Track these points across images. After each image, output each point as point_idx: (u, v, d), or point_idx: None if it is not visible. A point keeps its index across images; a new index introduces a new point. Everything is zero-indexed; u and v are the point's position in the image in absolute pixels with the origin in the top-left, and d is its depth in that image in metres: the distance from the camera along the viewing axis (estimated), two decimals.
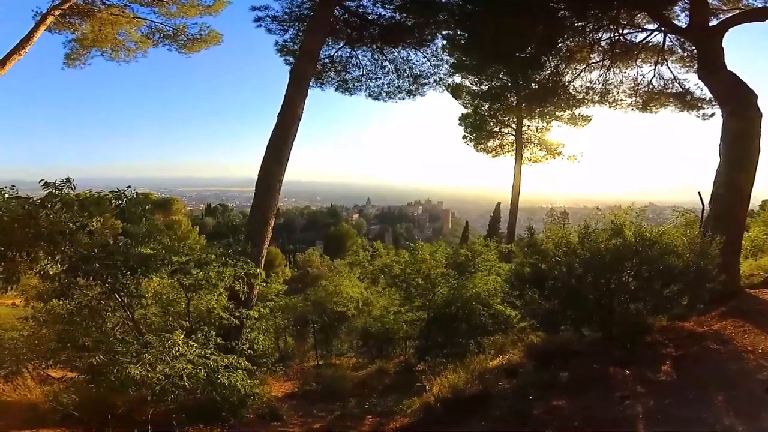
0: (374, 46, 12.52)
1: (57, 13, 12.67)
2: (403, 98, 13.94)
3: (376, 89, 13.53)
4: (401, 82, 13.35)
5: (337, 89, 13.54)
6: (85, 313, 6.01)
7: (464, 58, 16.65)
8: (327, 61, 12.60)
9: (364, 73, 13.09)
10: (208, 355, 5.34)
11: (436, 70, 13.59)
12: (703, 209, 8.19)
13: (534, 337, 7.39)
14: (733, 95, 8.40)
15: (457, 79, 19.53)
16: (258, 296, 15.57)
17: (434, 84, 13.89)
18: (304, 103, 9.50)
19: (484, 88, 19.45)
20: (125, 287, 6.09)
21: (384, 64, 12.86)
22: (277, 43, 12.75)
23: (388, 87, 13.48)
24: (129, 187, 6.20)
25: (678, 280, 5.36)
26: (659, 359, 5.07)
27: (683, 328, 5.93)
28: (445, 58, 13.61)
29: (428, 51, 13.00)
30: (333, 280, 14.89)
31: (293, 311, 14.57)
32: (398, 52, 12.69)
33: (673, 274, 5.31)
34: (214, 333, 6.06)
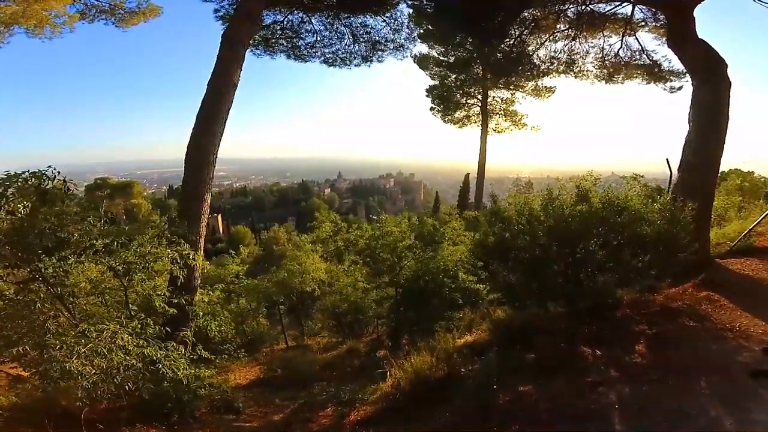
0: (330, 12, 11.60)
1: None
2: (359, 64, 13.12)
3: (330, 56, 12.68)
4: (357, 47, 12.53)
5: (288, 56, 12.56)
6: (17, 306, 5.43)
7: (431, 27, 16.06)
8: (278, 27, 11.60)
9: (319, 39, 12.15)
10: (143, 344, 4.90)
11: (395, 36, 12.82)
12: (671, 177, 8.05)
13: (500, 312, 7.15)
14: (703, 64, 8.21)
15: (424, 49, 19.00)
16: (214, 279, 14.99)
17: (393, 50, 13.12)
18: (240, 70, 8.58)
19: (451, 59, 18.93)
20: (54, 275, 5.49)
21: (340, 29, 12.01)
22: (216, 10, 11.42)
23: (343, 53, 12.66)
24: (50, 166, 5.57)
25: (649, 250, 5.12)
26: (632, 338, 4.80)
27: (654, 302, 5.71)
28: (405, 22, 12.80)
29: (387, 15, 12.17)
30: (296, 259, 14.30)
31: (256, 293, 14.00)
32: (356, 18, 11.82)
33: (643, 243, 5.05)
34: (152, 321, 5.47)
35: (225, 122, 8.30)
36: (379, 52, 12.83)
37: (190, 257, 6.39)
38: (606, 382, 3.96)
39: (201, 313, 8.26)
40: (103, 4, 12.88)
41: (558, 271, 5.47)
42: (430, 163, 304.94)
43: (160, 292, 6.42)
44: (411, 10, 13.02)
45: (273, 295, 14.02)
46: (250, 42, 11.44)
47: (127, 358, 4.55)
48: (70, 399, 4.92)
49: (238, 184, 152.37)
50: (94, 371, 4.34)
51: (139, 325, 5.15)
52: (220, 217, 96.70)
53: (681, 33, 8.73)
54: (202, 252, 7.77)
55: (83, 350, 4.37)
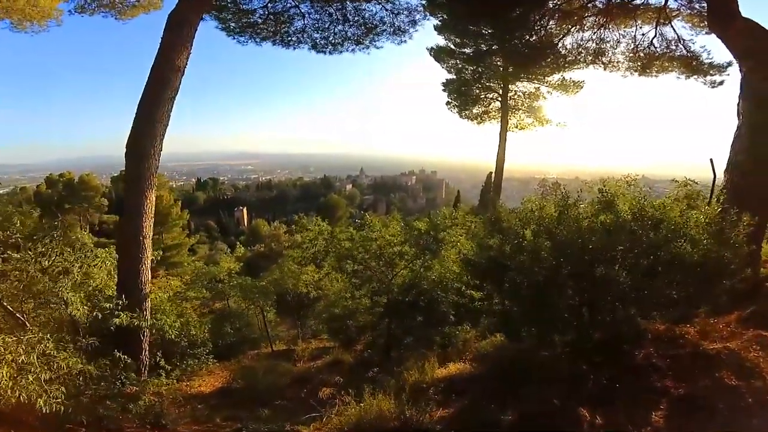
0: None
1: None
2: (352, 50, 11.89)
3: (321, 41, 11.44)
4: (349, 30, 11.29)
5: (275, 43, 11.37)
6: None
7: (445, 17, 14.96)
8: (263, 12, 10.55)
9: (308, 23, 11.01)
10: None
11: (393, 19, 11.34)
12: (714, 180, 6.62)
13: (498, 337, 5.97)
14: (754, 46, 7.01)
15: (441, 41, 17.65)
16: (209, 277, 14.26)
17: (392, 34, 11.63)
18: (186, 52, 7.64)
19: (468, 50, 17.59)
20: None
21: (329, 10, 10.78)
22: None
23: (334, 38, 11.39)
24: None
25: (688, 275, 3.80)
26: (651, 398, 3.49)
27: (686, 340, 4.37)
28: (407, 5, 11.43)
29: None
30: (294, 259, 13.39)
31: (248, 292, 13.14)
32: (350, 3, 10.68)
33: (684, 268, 3.74)
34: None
35: (169, 110, 7.41)
36: (375, 36, 11.44)
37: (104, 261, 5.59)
38: None
39: (160, 317, 7.53)
40: None
41: (566, 302, 4.24)
42: (454, 161, 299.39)
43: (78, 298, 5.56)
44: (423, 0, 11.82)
45: (266, 296, 13.16)
46: (233, 28, 10.62)
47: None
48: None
49: (263, 178, 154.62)
50: None
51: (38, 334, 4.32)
52: (245, 210, 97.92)
53: (722, 10, 7.59)
54: (148, 253, 6.92)
55: None
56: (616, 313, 4.09)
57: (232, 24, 10.50)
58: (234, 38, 10.83)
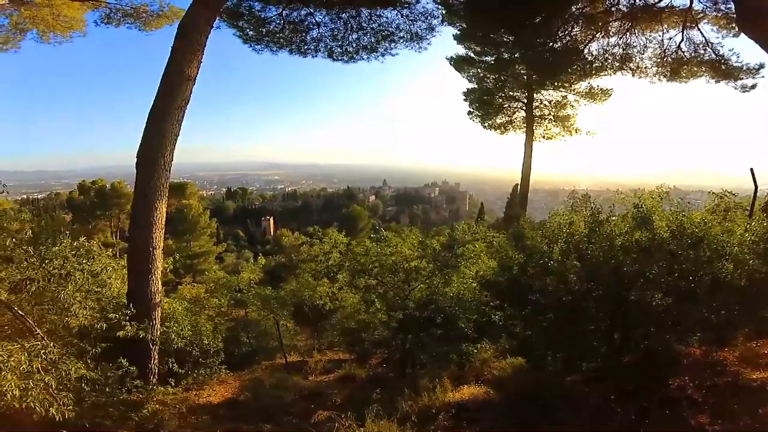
0: (335, 7, 10.46)
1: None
2: (368, 59, 11.69)
3: (337, 49, 11.32)
4: (365, 39, 11.11)
5: (291, 52, 11.36)
6: None
7: (464, 26, 14.80)
8: (279, 21, 10.58)
9: (325, 32, 10.95)
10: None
11: (410, 26, 11.06)
12: (756, 191, 6.11)
13: (516, 360, 5.59)
14: None
15: (461, 50, 17.53)
16: (229, 287, 14.32)
17: (409, 41, 11.31)
18: (197, 61, 7.54)
19: (488, 59, 17.36)
20: None
21: (344, 17, 10.68)
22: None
23: (349, 46, 11.24)
24: None
25: (734, 299, 3.38)
26: None
27: (725, 366, 3.93)
28: (424, 11, 11.14)
29: (401, 8, 10.65)
30: (310, 271, 13.30)
31: (266, 302, 13.11)
32: (365, 10, 10.52)
33: (728, 291, 3.33)
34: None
35: (180, 120, 7.33)
36: (391, 44, 11.23)
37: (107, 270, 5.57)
38: None
39: (171, 325, 7.51)
40: (127, 7, 12.76)
41: (597, 326, 3.88)
42: (478, 172, 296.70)
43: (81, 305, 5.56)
44: (443, 9, 11.66)
45: (283, 307, 13.09)
46: (251, 36, 10.67)
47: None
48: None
49: (289, 189, 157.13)
50: None
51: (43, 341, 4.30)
52: (272, 220, 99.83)
53: (753, 9, 7.28)
54: (159, 263, 6.87)
55: None
56: (650, 339, 3.69)
57: (250, 32, 10.54)
58: (250, 46, 10.88)
